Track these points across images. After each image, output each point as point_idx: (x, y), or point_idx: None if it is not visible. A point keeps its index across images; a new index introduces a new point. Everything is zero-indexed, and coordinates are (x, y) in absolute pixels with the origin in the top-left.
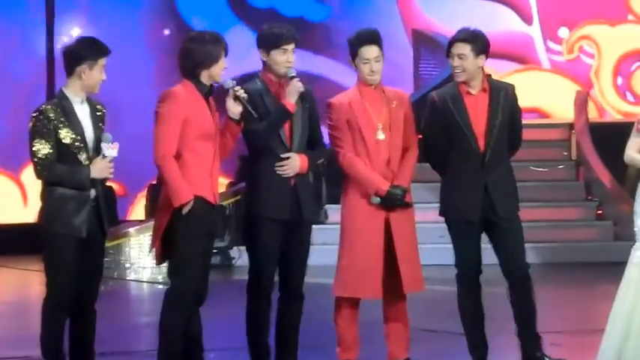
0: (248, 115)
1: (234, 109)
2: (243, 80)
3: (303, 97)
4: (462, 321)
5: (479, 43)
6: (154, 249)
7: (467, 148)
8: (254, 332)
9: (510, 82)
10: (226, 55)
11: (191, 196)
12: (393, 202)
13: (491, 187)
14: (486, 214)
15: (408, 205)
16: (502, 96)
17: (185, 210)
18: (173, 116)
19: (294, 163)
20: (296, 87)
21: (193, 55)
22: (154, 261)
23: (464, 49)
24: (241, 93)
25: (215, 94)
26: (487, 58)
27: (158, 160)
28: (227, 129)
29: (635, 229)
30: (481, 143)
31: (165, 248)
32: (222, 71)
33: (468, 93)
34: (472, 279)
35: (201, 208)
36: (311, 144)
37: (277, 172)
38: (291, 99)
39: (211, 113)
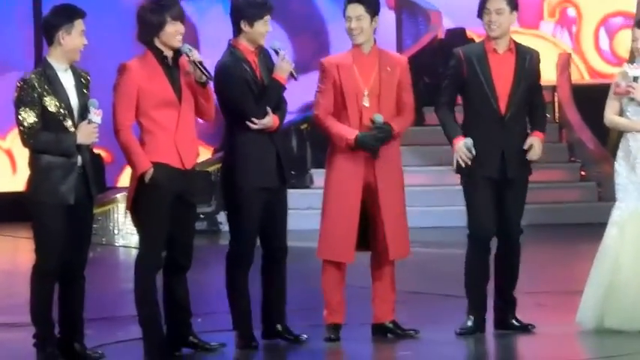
0: (204, 76)
1: (195, 72)
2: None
3: (270, 60)
4: (465, 281)
5: None
6: (129, 214)
7: (487, 107)
8: (237, 300)
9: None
10: (177, 19)
11: (148, 165)
12: (366, 146)
13: (506, 149)
14: (499, 174)
15: (386, 139)
16: (528, 60)
17: (146, 178)
18: (126, 89)
19: (268, 121)
20: (288, 64)
21: (139, 24)
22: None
23: (502, 4)
24: (195, 57)
25: None
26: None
27: (115, 133)
28: (197, 92)
29: (616, 188)
30: (502, 104)
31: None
32: (175, 37)
33: (495, 51)
34: (484, 240)
35: (165, 175)
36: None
37: (250, 125)
38: (283, 74)
39: (176, 79)
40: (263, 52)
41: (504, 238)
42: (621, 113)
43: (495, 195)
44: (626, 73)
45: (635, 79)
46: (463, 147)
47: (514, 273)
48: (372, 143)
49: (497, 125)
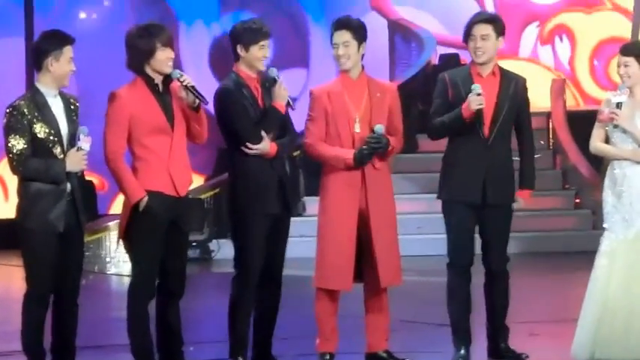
0: (198, 100)
1: (187, 98)
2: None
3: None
4: (449, 311)
5: (499, 24)
6: (121, 242)
7: (471, 131)
8: (239, 323)
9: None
10: (167, 45)
11: (142, 194)
12: (365, 160)
13: (489, 174)
14: (485, 199)
15: (385, 149)
16: (512, 85)
17: (141, 207)
18: (117, 118)
19: (264, 147)
20: (285, 91)
21: (129, 52)
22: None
23: (487, 29)
24: (187, 81)
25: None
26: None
27: (107, 162)
28: (190, 117)
29: (604, 217)
30: (486, 127)
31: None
32: (166, 62)
33: (479, 75)
34: (465, 268)
35: (159, 202)
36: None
37: (245, 150)
38: (281, 101)
39: (167, 105)
40: (268, 80)
41: (488, 267)
42: (607, 140)
43: (477, 221)
44: (610, 100)
45: (617, 105)
46: (471, 97)
47: (503, 301)
48: (368, 158)
49: (480, 149)
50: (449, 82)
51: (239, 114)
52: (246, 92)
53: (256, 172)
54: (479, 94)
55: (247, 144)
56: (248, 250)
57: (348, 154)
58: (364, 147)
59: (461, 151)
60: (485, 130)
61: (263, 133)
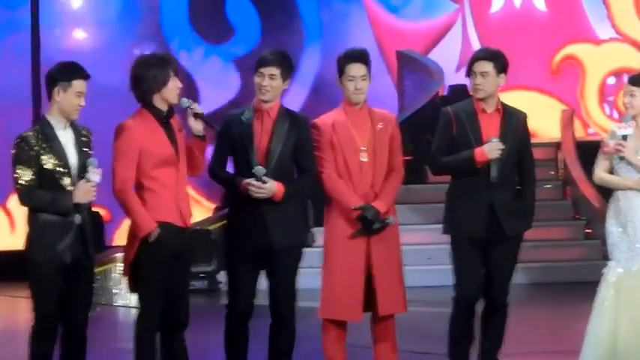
0: (210, 129)
1: (196, 126)
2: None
3: (292, 126)
4: (450, 344)
5: (500, 61)
6: (126, 277)
7: (478, 172)
8: (230, 354)
9: (523, 110)
10: (177, 74)
11: (154, 225)
12: (362, 222)
13: (497, 207)
14: (490, 234)
15: (384, 224)
16: (514, 122)
17: (151, 239)
18: (127, 149)
19: (269, 190)
20: (270, 187)
21: (141, 82)
22: (128, 287)
23: (486, 66)
24: (197, 109)
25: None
26: (506, 77)
27: (116, 193)
28: (194, 146)
29: (609, 248)
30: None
31: (136, 275)
32: (176, 92)
33: (483, 111)
34: (471, 302)
35: (168, 233)
36: (299, 170)
37: (250, 191)
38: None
39: (172, 136)
40: (289, 122)
41: (489, 299)
42: (611, 172)
43: (483, 255)
44: (615, 132)
45: (623, 137)
46: (491, 146)
47: (498, 335)
48: (368, 229)
49: (485, 185)
50: (453, 117)
51: (217, 141)
52: (246, 121)
53: (242, 201)
54: (499, 147)
55: (255, 186)
56: (232, 281)
57: (356, 205)
58: (369, 226)
59: (466, 187)
60: (493, 172)
61: (271, 182)
